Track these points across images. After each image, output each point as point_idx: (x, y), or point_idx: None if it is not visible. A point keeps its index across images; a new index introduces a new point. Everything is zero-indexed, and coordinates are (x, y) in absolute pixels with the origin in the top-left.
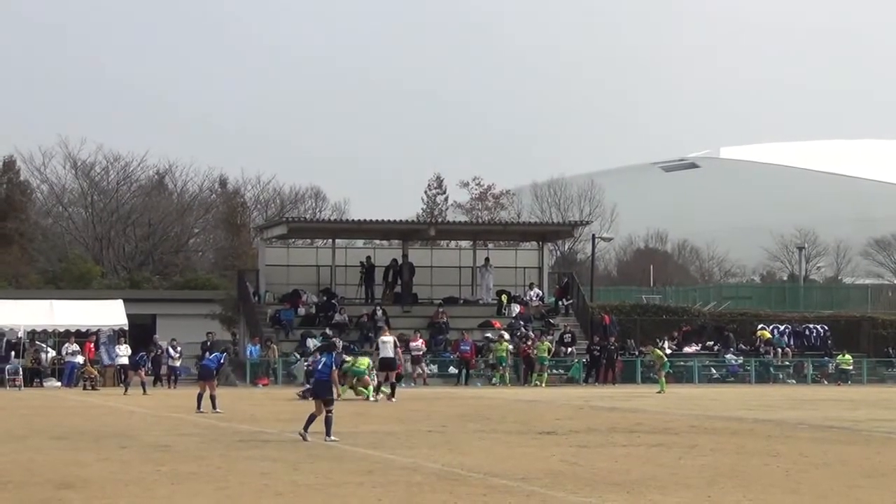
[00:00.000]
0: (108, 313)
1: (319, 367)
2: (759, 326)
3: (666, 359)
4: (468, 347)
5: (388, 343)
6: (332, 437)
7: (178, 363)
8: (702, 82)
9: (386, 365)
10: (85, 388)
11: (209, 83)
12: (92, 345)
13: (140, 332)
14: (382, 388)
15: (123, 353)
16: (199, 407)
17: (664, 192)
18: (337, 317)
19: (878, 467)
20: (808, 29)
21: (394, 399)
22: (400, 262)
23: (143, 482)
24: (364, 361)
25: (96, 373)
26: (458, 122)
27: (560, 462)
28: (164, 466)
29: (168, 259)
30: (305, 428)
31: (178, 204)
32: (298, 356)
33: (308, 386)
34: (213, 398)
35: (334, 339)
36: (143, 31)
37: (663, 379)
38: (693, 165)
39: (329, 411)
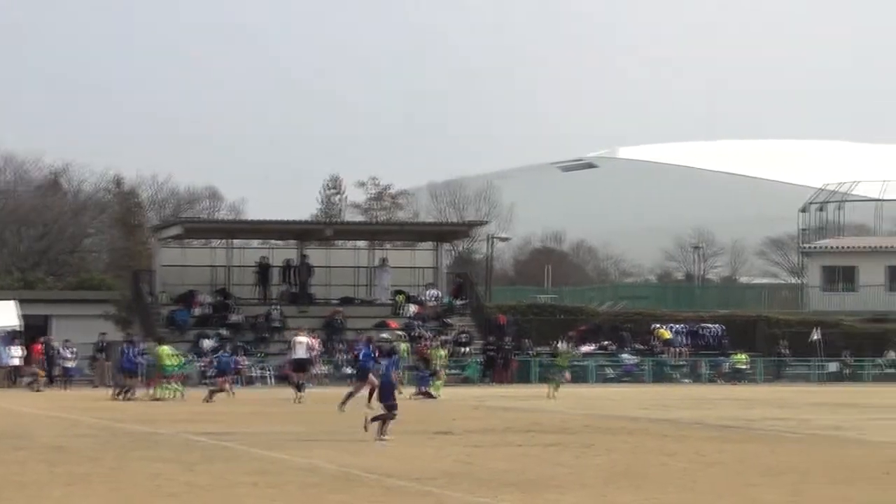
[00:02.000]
0: (1, 314)
1: (382, 371)
2: (655, 327)
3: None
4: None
5: (302, 343)
6: (385, 437)
7: (72, 364)
8: (600, 82)
9: (299, 366)
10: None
11: (104, 80)
12: (40, 346)
13: (34, 333)
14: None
15: (16, 354)
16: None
17: (561, 192)
18: (232, 317)
19: (774, 466)
20: (703, 28)
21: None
22: (295, 262)
23: (37, 483)
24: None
25: (41, 373)
26: (355, 121)
27: (456, 462)
28: (59, 467)
29: (63, 259)
30: (381, 432)
31: (72, 204)
32: (193, 356)
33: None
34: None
35: (395, 343)
36: (32, 27)
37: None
38: (590, 165)
39: (393, 415)
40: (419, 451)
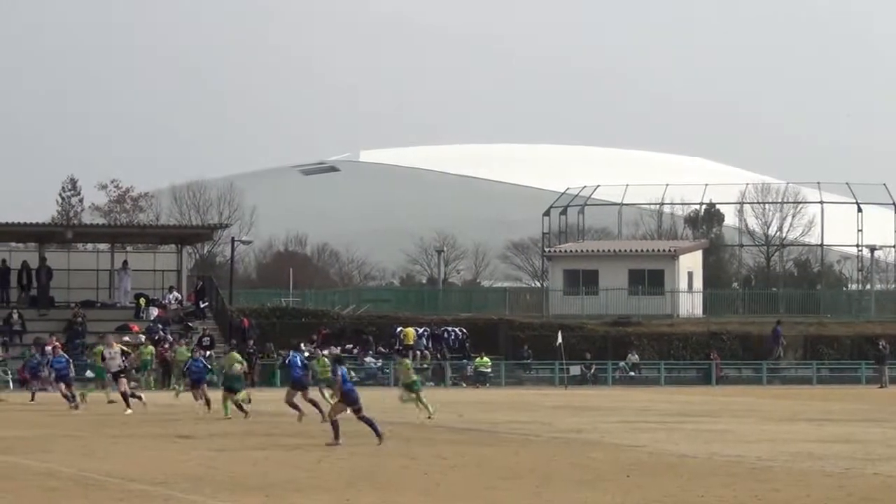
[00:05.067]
0: None
1: (344, 379)
2: (399, 329)
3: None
4: None
5: (116, 353)
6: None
7: None
8: (342, 85)
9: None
10: None
11: None
12: None
13: None
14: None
15: None
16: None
17: (304, 195)
18: None
19: (515, 468)
20: (449, 35)
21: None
22: (34, 264)
23: None
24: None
25: None
26: (97, 123)
27: (198, 466)
28: None
29: None
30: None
31: None
32: None
33: None
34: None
35: (341, 353)
36: None
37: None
38: (333, 168)
39: (360, 415)
40: (161, 455)
